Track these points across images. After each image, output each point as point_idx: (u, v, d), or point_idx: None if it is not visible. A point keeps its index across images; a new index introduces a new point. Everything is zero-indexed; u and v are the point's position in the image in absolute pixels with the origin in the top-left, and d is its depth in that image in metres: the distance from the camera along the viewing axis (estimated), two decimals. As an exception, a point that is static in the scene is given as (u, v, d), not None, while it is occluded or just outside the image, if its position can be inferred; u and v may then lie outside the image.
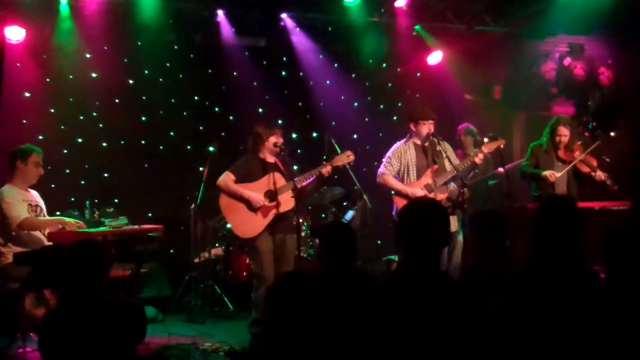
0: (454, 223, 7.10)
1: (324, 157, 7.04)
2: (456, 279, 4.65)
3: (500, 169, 8.15)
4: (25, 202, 6.48)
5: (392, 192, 7.33)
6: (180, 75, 10.02)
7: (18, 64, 8.83)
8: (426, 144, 7.37)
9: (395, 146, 7.47)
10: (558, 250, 3.34)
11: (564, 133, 7.89)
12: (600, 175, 7.77)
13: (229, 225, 7.83)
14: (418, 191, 7.15)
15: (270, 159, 7.02)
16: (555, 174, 7.74)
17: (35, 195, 6.67)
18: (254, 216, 6.81)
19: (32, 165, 6.52)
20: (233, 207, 6.87)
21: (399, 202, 7.22)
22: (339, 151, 7.20)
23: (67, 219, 6.39)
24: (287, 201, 6.84)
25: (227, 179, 6.88)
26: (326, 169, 6.80)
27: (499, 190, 8.57)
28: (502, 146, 7.47)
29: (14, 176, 6.50)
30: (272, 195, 6.83)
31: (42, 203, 6.72)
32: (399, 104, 11.08)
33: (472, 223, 5.25)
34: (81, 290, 3.87)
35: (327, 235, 4.79)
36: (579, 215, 3.46)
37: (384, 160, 7.44)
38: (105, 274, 4.08)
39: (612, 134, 10.21)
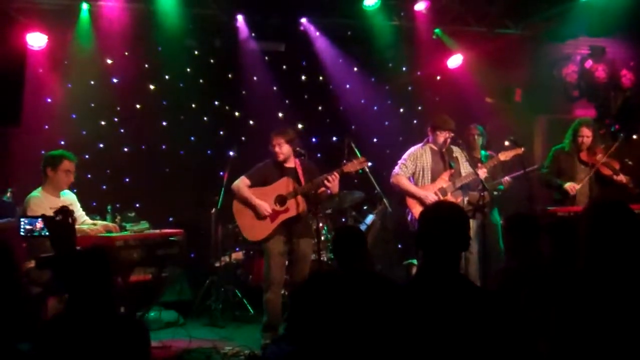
0: (472, 227, 7.08)
1: (344, 161, 7.03)
2: (489, 283, 4.60)
3: (507, 178, 8.11)
4: (52, 209, 6.49)
5: (406, 195, 7.32)
6: (201, 80, 10.06)
7: (40, 70, 8.89)
8: (443, 149, 7.37)
9: (412, 149, 7.49)
10: (613, 254, 3.31)
11: (586, 134, 7.84)
12: (621, 178, 7.72)
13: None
14: (430, 194, 7.15)
15: (289, 163, 7.02)
16: (575, 186, 7.69)
17: (67, 200, 6.69)
18: (262, 221, 6.85)
19: (62, 173, 6.53)
20: (243, 211, 6.93)
21: (412, 205, 7.24)
22: (359, 155, 7.20)
23: (84, 227, 6.41)
24: (297, 206, 6.85)
25: (241, 184, 6.95)
26: (332, 177, 6.70)
27: (517, 192, 8.48)
28: (520, 153, 7.47)
29: (44, 182, 6.53)
30: (282, 199, 6.84)
31: (75, 206, 6.72)
32: (419, 108, 11.06)
33: (506, 227, 5.20)
34: (87, 298, 3.64)
35: (336, 239, 4.81)
36: (634, 218, 3.43)
37: (399, 161, 7.45)
38: (112, 282, 3.90)
39: (634, 136, 10.13)
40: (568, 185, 7.73)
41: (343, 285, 3.00)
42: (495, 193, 8.59)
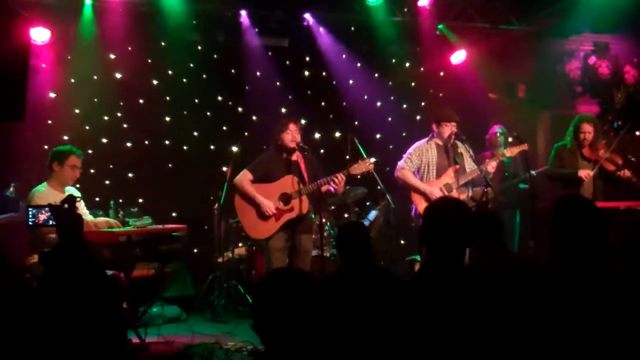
0: None
1: (347, 157, 7.01)
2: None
3: (533, 172, 8.14)
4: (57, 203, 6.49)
5: (411, 191, 7.30)
6: (204, 76, 10.05)
7: (43, 65, 8.89)
8: (448, 144, 7.35)
9: (417, 144, 7.45)
10: (576, 250, 3.32)
11: (588, 130, 7.83)
12: (626, 173, 7.70)
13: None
14: (435, 190, 7.12)
15: (293, 156, 6.98)
16: (590, 174, 7.68)
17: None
18: (266, 219, 6.77)
19: (68, 168, 6.52)
20: (246, 208, 6.84)
21: (417, 200, 7.21)
22: (362, 151, 7.18)
23: (87, 219, 6.40)
24: (302, 205, 6.77)
25: (243, 178, 6.86)
26: (339, 178, 6.69)
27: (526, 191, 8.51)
28: (525, 149, 7.44)
29: (50, 176, 6.52)
30: (287, 198, 6.78)
31: (79, 204, 6.71)
32: (423, 104, 11.04)
33: None
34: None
35: (341, 235, 4.81)
36: (597, 215, 3.43)
37: (404, 156, 7.42)
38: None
39: (637, 132, 10.12)
40: (581, 173, 7.71)
41: (305, 282, 2.93)
42: (522, 186, 8.65)
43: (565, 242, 3.35)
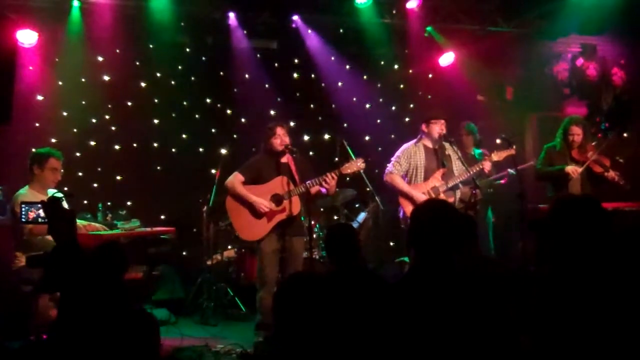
0: None
1: (336, 159, 7.00)
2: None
3: (510, 170, 8.17)
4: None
5: (399, 194, 7.30)
6: (192, 78, 10.04)
7: (30, 68, 8.86)
8: (437, 146, 7.32)
9: (405, 146, 7.41)
10: (581, 250, 3.31)
11: (577, 132, 7.87)
12: (612, 174, 7.75)
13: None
14: (422, 196, 7.08)
15: (283, 159, 6.98)
16: (578, 170, 7.71)
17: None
18: (258, 220, 6.76)
19: (49, 172, 6.49)
20: (238, 209, 6.83)
21: (404, 204, 7.19)
22: (351, 153, 7.17)
23: (78, 222, 6.38)
24: (293, 206, 6.76)
25: (235, 180, 6.85)
26: (330, 178, 6.68)
27: (509, 190, 8.53)
28: (513, 154, 7.43)
29: (31, 180, 6.49)
30: (278, 199, 6.78)
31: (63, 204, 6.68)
32: (411, 106, 11.06)
33: None
34: (99, 293, 3.70)
35: (329, 237, 4.81)
36: (604, 215, 3.42)
37: (392, 159, 7.40)
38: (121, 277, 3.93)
39: (624, 134, 10.17)
40: (569, 168, 7.74)
41: (329, 283, 2.97)
42: (490, 190, 8.68)
43: (569, 242, 3.34)
